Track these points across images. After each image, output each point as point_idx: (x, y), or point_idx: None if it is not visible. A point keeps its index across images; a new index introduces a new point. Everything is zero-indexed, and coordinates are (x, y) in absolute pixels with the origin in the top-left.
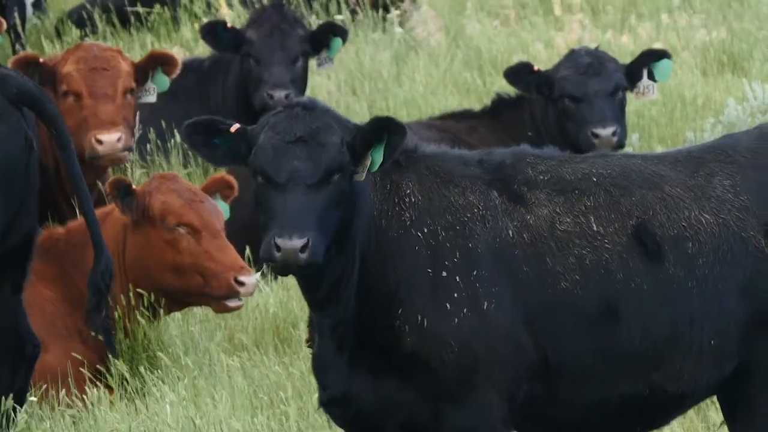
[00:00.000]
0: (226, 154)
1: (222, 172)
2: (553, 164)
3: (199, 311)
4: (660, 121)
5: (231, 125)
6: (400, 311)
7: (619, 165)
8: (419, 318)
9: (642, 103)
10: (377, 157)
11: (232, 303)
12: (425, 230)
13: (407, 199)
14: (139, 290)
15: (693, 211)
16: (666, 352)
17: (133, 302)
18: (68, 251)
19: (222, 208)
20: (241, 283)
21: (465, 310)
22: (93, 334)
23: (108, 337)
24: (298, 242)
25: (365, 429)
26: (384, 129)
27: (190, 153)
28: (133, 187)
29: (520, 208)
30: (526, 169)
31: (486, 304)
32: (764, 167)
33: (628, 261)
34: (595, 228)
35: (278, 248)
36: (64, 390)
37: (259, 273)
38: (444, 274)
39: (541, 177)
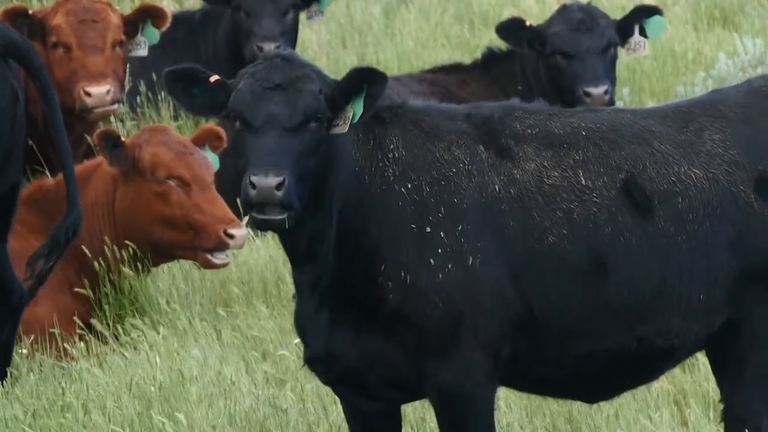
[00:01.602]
0: (204, 104)
1: (211, 124)
2: (542, 118)
3: (186, 266)
4: (651, 76)
5: (210, 75)
6: (383, 267)
7: (609, 120)
8: (402, 274)
9: (633, 57)
10: (358, 108)
11: (218, 259)
12: (409, 186)
13: (390, 155)
14: (126, 242)
15: (683, 166)
16: (654, 305)
17: (118, 255)
18: (58, 202)
19: (211, 160)
20: (231, 236)
21: (450, 266)
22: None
23: (36, 285)
24: (273, 180)
25: (350, 386)
26: (363, 79)
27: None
28: (122, 139)
29: (507, 162)
30: (514, 123)
31: (471, 259)
32: (753, 122)
33: (617, 215)
34: (583, 182)
35: (253, 186)
36: (53, 342)
37: (247, 226)
38: (428, 229)
39: (529, 131)
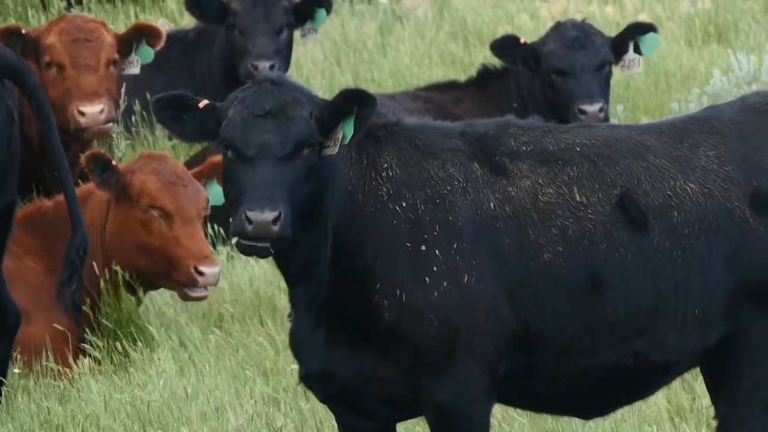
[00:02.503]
0: (195, 130)
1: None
2: (536, 135)
3: None
4: (645, 92)
5: (199, 101)
6: (378, 286)
7: (604, 135)
8: (398, 292)
9: (627, 74)
10: (348, 130)
11: (194, 293)
12: (404, 204)
13: (384, 174)
14: (115, 267)
15: (678, 181)
16: (650, 321)
17: (109, 277)
18: (55, 224)
19: (219, 194)
20: (201, 273)
21: (445, 284)
22: (61, 309)
23: (76, 312)
24: (269, 215)
25: (345, 404)
26: (353, 101)
27: None
28: (113, 162)
29: (502, 179)
30: (509, 140)
31: (466, 277)
32: (748, 138)
33: (612, 231)
34: (578, 198)
35: (250, 221)
36: (48, 361)
37: (219, 267)
38: (423, 247)
39: (524, 148)
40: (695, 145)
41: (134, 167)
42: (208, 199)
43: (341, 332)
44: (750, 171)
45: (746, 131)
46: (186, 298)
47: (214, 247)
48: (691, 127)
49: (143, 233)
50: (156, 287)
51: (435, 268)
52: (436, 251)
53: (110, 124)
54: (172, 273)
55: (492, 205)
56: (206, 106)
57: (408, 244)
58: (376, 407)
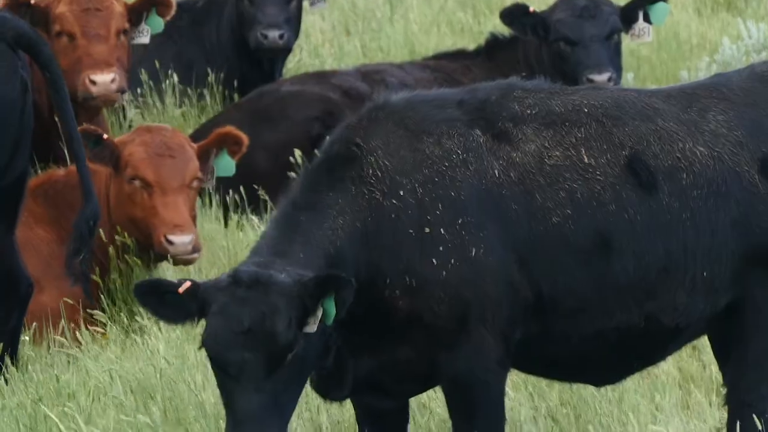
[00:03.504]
0: (179, 314)
1: (230, 127)
2: (542, 97)
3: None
4: (655, 61)
5: (179, 285)
6: (388, 281)
7: (612, 97)
8: (407, 279)
9: (637, 43)
10: (330, 309)
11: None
12: (401, 193)
13: (374, 178)
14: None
15: (687, 143)
16: (660, 282)
17: (117, 246)
18: (66, 193)
19: (228, 165)
20: (170, 242)
21: (453, 261)
22: (71, 281)
23: (85, 283)
24: None
25: (363, 389)
26: (330, 287)
27: (186, 92)
28: (105, 136)
29: (506, 145)
30: (512, 104)
31: (474, 250)
32: (756, 105)
33: (621, 192)
34: (586, 160)
35: None
36: (59, 330)
37: (191, 236)
38: (427, 230)
39: (529, 111)
40: (704, 110)
41: (126, 139)
42: (196, 171)
43: (360, 342)
44: (759, 137)
45: (755, 98)
46: (178, 262)
47: (226, 214)
48: (699, 93)
49: (130, 204)
50: (157, 258)
51: (441, 248)
52: (441, 230)
53: (119, 93)
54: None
55: (496, 172)
56: (187, 290)
57: (411, 231)
58: (393, 386)
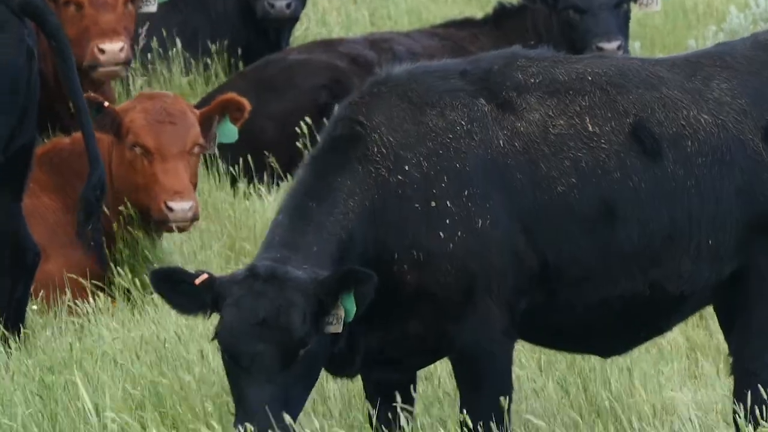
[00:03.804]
0: (193, 305)
1: (232, 93)
2: (546, 66)
3: (200, 220)
4: (662, 29)
5: (196, 276)
6: (396, 256)
7: (616, 65)
8: (415, 254)
9: (645, 12)
10: (350, 306)
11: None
12: (406, 168)
13: (378, 156)
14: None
15: (692, 111)
16: (664, 250)
17: (123, 215)
18: (72, 161)
19: (230, 131)
20: (170, 209)
21: (459, 233)
22: (84, 246)
23: (98, 249)
24: None
25: (372, 364)
26: (350, 281)
27: (191, 61)
28: (105, 104)
29: (510, 115)
30: (516, 73)
31: (480, 221)
32: (759, 73)
33: (626, 160)
34: (590, 128)
35: None
36: (66, 298)
37: (191, 203)
38: (433, 203)
39: (532, 80)
40: (708, 78)
41: (128, 107)
42: (197, 137)
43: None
44: (763, 105)
45: (758, 67)
46: (165, 230)
47: (234, 182)
48: (703, 61)
49: (131, 172)
50: (160, 228)
51: (448, 221)
52: (447, 203)
53: (123, 68)
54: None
55: (501, 142)
56: (203, 282)
57: (417, 205)
58: (401, 360)
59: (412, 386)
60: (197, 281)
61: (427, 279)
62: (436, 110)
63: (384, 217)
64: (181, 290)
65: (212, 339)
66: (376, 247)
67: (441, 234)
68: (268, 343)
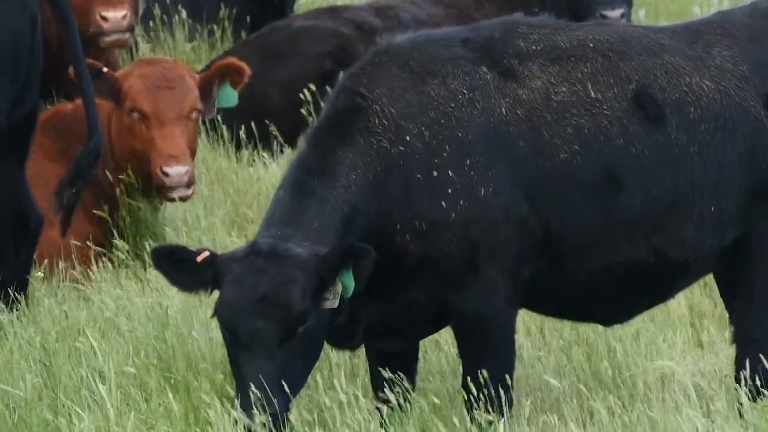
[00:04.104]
0: (193, 282)
1: (232, 58)
2: (547, 33)
3: (203, 187)
4: None
5: (197, 254)
6: (398, 227)
7: (617, 32)
8: (417, 224)
9: None
10: (348, 281)
11: (170, 194)
12: (407, 138)
13: (380, 128)
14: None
15: (694, 77)
16: (667, 216)
17: (124, 182)
18: (74, 127)
19: (230, 96)
20: (165, 173)
21: (461, 202)
22: (56, 209)
23: (68, 215)
24: (262, 417)
25: (376, 334)
26: (349, 256)
27: (196, 27)
28: (104, 70)
29: (512, 83)
30: (517, 40)
31: (483, 190)
32: (759, 41)
33: (628, 126)
34: (592, 95)
35: (246, 423)
36: (69, 265)
37: (187, 167)
38: (435, 173)
39: (534, 47)
40: (709, 46)
41: (126, 72)
42: (196, 102)
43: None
44: (763, 72)
45: (758, 34)
46: (165, 199)
47: (237, 150)
48: (703, 29)
49: (130, 137)
50: (161, 196)
51: (450, 190)
52: (449, 172)
53: (128, 34)
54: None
55: (503, 110)
56: (204, 259)
57: (419, 175)
58: (404, 329)
59: (415, 356)
60: (198, 259)
61: (430, 248)
62: (438, 79)
63: (386, 189)
64: (182, 268)
65: (212, 316)
66: (379, 219)
67: (443, 203)
68: (267, 319)
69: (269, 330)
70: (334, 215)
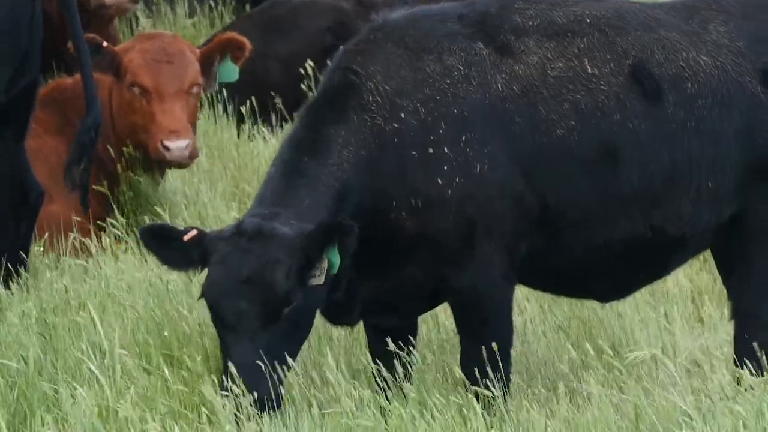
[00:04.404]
0: (181, 260)
1: (231, 33)
2: (543, 8)
3: (204, 161)
4: None
5: (185, 233)
6: (393, 204)
7: (614, 7)
8: (413, 201)
9: None
10: (334, 258)
11: (170, 155)
12: (402, 116)
13: (374, 105)
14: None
15: (691, 53)
16: (665, 191)
17: (125, 156)
18: (74, 101)
19: (231, 70)
20: (166, 148)
21: (457, 179)
22: (68, 188)
23: (83, 192)
24: (252, 396)
25: (373, 310)
26: (333, 233)
27: (196, 2)
28: (104, 44)
29: (508, 58)
30: (513, 16)
31: (479, 166)
32: (754, 17)
33: (626, 102)
34: (589, 70)
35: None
36: (69, 239)
37: (187, 141)
38: (431, 150)
39: (530, 23)
40: (705, 21)
41: (127, 47)
42: (196, 76)
43: (368, 268)
44: (758, 48)
45: (752, 11)
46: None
47: (239, 125)
48: (699, 6)
49: (130, 112)
50: (162, 168)
51: (446, 167)
52: (445, 149)
53: (132, 2)
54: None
55: (499, 85)
56: (192, 238)
57: (414, 152)
58: (401, 306)
59: (414, 330)
60: (186, 237)
61: (426, 225)
62: (433, 55)
63: (381, 166)
64: (170, 246)
65: (199, 298)
66: (374, 196)
67: (439, 180)
68: (251, 300)
69: (254, 311)
70: (324, 193)
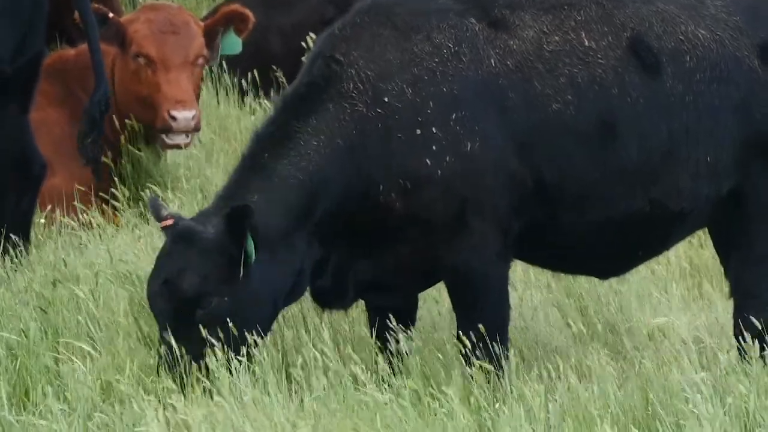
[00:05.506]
0: None
1: (236, 5)
2: None
3: (205, 133)
4: None
5: (164, 219)
6: (381, 188)
7: None
8: (401, 183)
9: None
10: (250, 248)
11: (170, 140)
12: (385, 99)
13: (355, 92)
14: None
15: (689, 26)
16: (663, 166)
17: (128, 129)
18: (76, 73)
19: (234, 43)
20: (173, 118)
21: (447, 158)
22: (83, 161)
23: (97, 164)
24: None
25: (370, 291)
26: (238, 222)
27: None
28: (110, 15)
29: (502, 33)
30: None
31: (470, 144)
32: None
33: (624, 75)
34: (586, 43)
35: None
36: (71, 212)
37: (194, 111)
38: (418, 131)
39: None
40: None
41: (132, 18)
42: (201, 48)
43: (359, 248)
44: (756, 23)
45: None
46: (164, 146)
47: (241, 98)
48: None
49: (135, 82)
50: (166, 144)
51: (435, 147)
52: (433, 129)
53: None
54: (152, 121)
55: (492, 61)
56: (165, 227)
57: (400, 135)
58: (397, 286)
59: (414, 307)
60: (161, 225)
61: (417, 206)
62: (421, 34)
63: (366, 151)
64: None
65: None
66: (361, 181)
67: (428, 161)
68: (166, 303)
69: (169, 312)
70: (281, 186)
